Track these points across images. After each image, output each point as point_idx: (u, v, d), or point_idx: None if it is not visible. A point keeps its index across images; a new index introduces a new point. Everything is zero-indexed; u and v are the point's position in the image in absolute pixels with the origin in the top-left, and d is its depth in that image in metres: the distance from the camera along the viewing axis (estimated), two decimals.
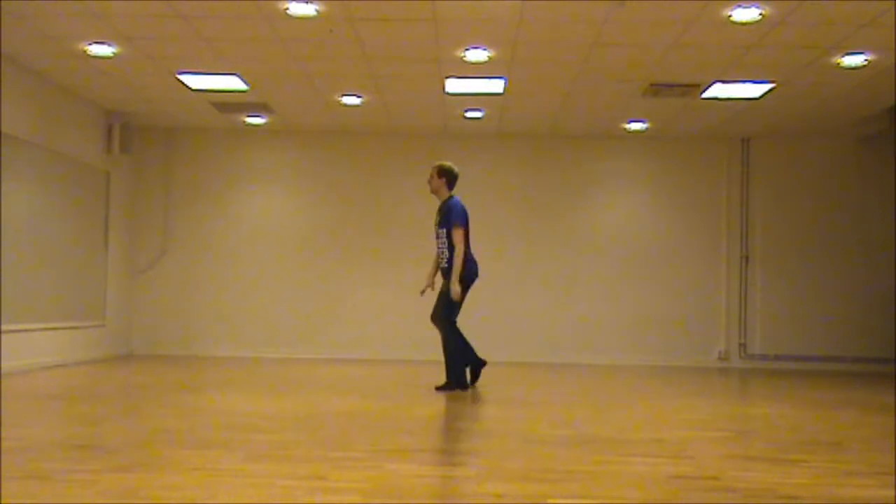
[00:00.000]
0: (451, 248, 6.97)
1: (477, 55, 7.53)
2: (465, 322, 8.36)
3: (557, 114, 9.69)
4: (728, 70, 7.88)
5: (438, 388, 7.02)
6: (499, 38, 7.10)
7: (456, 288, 6.89)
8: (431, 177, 7.14)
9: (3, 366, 7.77)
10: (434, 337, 7.39)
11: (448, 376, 7.03)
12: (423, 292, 7.29)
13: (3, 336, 7.84)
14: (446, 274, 7.03)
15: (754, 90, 8.55)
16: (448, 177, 7.11)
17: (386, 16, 6.59)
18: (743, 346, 10.76)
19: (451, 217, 6.96)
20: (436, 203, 7.36)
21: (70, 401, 6.01)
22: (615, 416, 5.66)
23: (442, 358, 7.19)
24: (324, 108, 9.63)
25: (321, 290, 10.86)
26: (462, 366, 7.06)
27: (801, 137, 10.71)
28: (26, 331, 8.32)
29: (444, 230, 7.02)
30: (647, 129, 10.37)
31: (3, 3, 6.40)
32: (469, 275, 7.02)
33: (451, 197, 7.11)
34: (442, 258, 7.08)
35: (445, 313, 7.00)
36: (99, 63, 7.97)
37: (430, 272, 7.36)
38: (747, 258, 10.81)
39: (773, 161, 10.83)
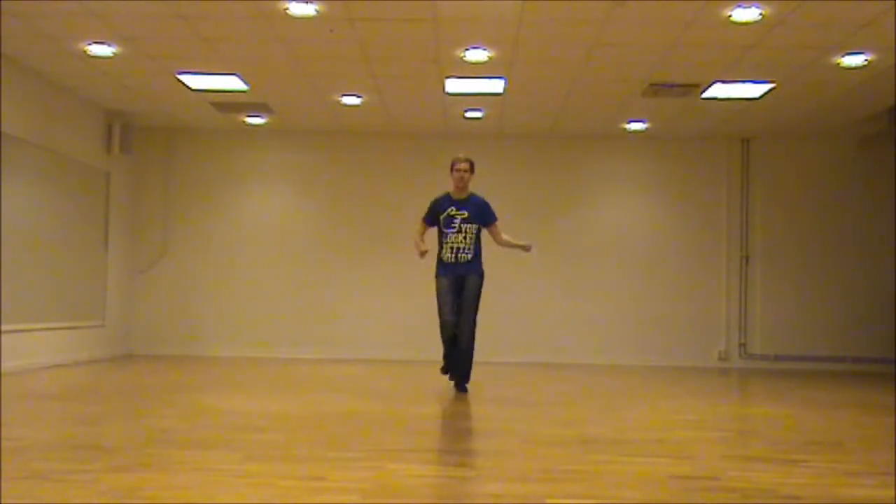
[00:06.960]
0: (478, 243, 6.91)
1: (477, 55, 7.53)
2: None
3: (557, 114, 9.69)
4: (728, 70, 7.88)
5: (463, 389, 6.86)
6: (499, 38, 7.10)
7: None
8: (468, 171, 6.89)
9: (3, 366, 7.77)
10: (432, 336, 7.24)
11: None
12: (423, 254, 6.93)
13: (3, 336, 7.84)
14: (474, 268, 6.87)
15: (754, 90, 8.54)
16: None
17: (386, 16, 6.59)
18: (743, 346, 10.75)
19: (493, 213, 7.01)
20: None
21: (70, 401, 6.01)
22: (615, 416, 5.65)
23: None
24: (324, 108, 9.63)
25: (321, 290, 10.86)
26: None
27: (801, 137, 10.70)
28: (26, 331, 8.32)
29: (475, 225, 6.89)
30: (646, 129, 10.36)
31: (3, 3, 6.40)
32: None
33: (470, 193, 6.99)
34: (465, 253, 6.86)
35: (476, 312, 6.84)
36: (99, 63, 7.96)
37: (416, 240, 7.04)
38: (747, 258, 10.81)
39: (773, 161, 10.82)
